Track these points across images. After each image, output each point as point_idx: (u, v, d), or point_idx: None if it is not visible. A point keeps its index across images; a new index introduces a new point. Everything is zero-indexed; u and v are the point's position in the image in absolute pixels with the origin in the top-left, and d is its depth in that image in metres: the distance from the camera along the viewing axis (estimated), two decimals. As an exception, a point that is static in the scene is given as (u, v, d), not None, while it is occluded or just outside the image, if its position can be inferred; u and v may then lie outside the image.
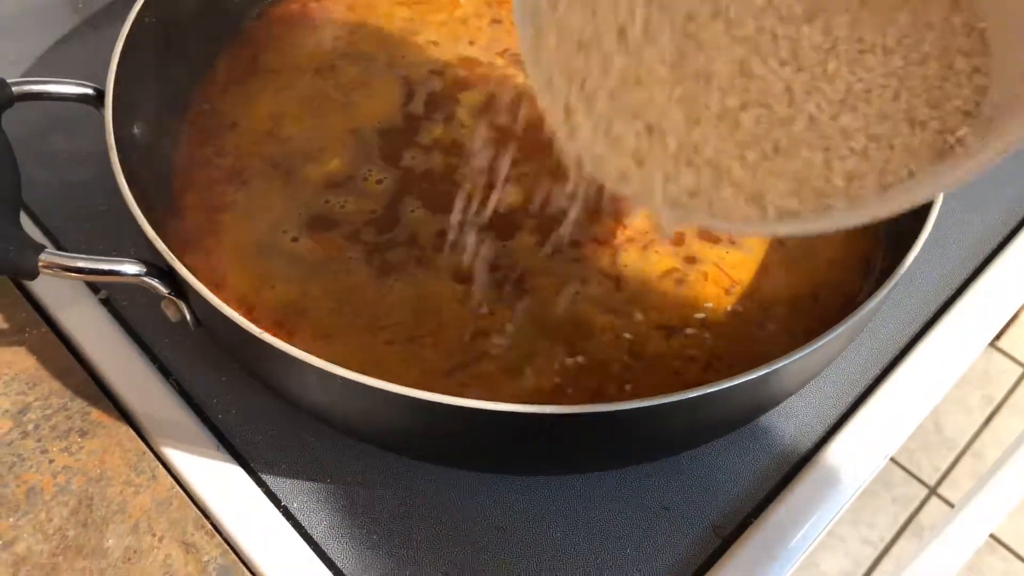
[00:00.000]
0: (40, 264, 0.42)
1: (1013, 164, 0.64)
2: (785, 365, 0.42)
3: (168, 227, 0.54)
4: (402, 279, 0.51)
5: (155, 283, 0.45)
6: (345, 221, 0.54)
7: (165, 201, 0.55)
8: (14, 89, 0.48)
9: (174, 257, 0.43)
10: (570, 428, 0.42)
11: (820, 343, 0.43)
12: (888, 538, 1.37)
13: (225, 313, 0.42)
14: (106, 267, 0.44)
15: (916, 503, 1.40)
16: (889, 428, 0.53)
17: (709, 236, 0.54)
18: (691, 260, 0.53)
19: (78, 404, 0.50)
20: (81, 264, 0.43)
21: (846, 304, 0.53)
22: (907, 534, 1.37)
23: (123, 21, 0.53)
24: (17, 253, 0.42)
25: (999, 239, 0.61)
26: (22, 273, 0.42)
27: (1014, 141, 0.36)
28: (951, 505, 1.41)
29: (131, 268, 0.44)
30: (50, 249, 0.42)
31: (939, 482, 1.43)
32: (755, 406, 0.48)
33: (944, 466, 1.45)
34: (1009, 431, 1.46)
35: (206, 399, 0.52)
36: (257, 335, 0.41)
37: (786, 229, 0.42)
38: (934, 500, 1.41)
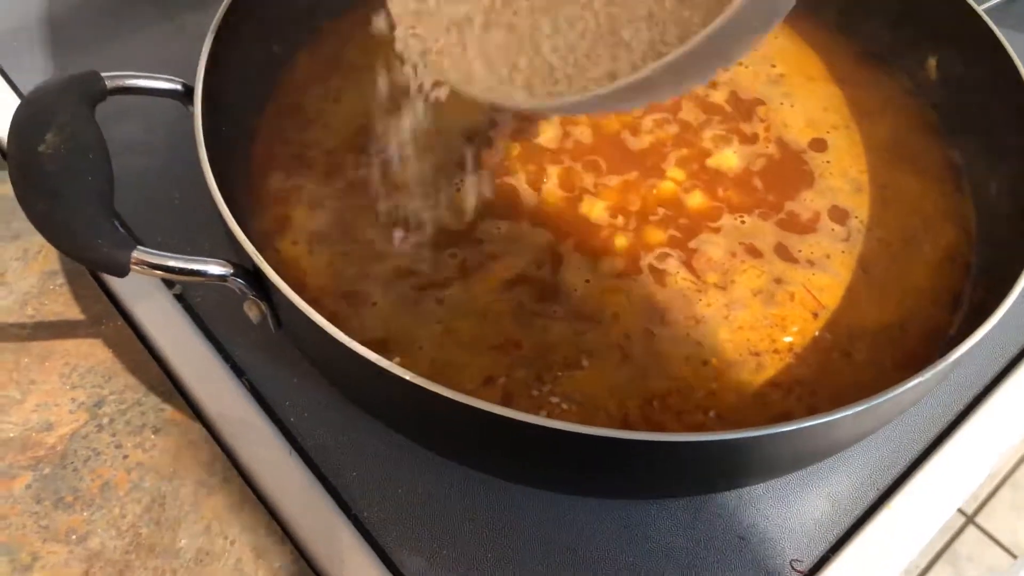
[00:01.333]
0: (132, 262, 0.41)
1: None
2: (881, 402, 0.41)
3: (247, 225, 0.53)
4: (489, 296, 0.50)
5: (240, 284, 0.44)
6: (433, 229, 0.53)
7: (244, 197, 0.55)
8: (108, 83, 0.48)
9: (263, 261, 0.43)
10: (657, 454, 0.41)
11: (916, 381, 0.42)
12: (923, 565, 1.35)
13: (315, 321, 0.41)
14: (195, 267, 0.43)
15: (953, 531, 1.38)
16: (969, 468, 0.52)
17: (788, 255, 0.53)
18: (778, 280, 0.52)
19: (152, 400, 0.50)
20: (171, 263, 0.42)
21: (933, 337, 0.52)
22: (942, 562, 1.35)
23: (202, 14, 0.53)
24: (110, 249, 0.41)
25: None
26: (113, 269, 0.42)
27: None
28: (988, 534, 1.39)
29: (218, 269, 0.44)
30: (141, 247, 0.42)
31: (977, 511, 1.41)
32: (842, 440, 0.47)
33: (983, 495, 1.43)
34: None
35: (279, 401, 0.51)
36: (348, 345, 0.41)
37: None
38: (971, 529, 1.39)
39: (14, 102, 0.64)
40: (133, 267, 0.42)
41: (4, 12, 0.71)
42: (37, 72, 0.67)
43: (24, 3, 0.71)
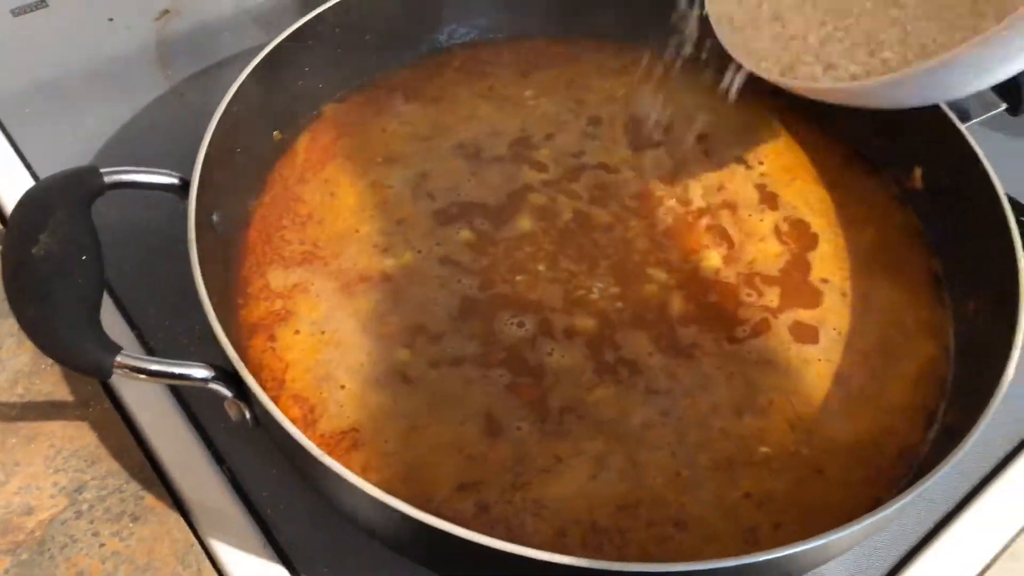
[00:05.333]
0: (115, 366, 0.43)
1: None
2: (841, 536, 0.42)
3: (234, 315, 0.55)
4: (474, 390, 0.51)
5: (220, 387, 0.46)
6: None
7: (235, 288, 0.56)
8: (106, 179, 0.49)
9: (243, 366, 0.44)
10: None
11: (880, 515, 0.42)
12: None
13: (286, 428, 0.42)
14: (176, 371, 0.44)
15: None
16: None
17: (768, 361, 0.54)
18: (756, 387, 0.53)
19: (133, 487, 0.51)
20: (153, 368, 0.44)
21: (906, 456, 0.52)
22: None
23: (209, 90, 0.55)
24: (94, 353, 0.43)
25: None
26: (96, 373, 0.43)
27: None
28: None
29: (199, 372, 0.45)
30: (125, 351, 0.43)
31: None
32: (806, 565, 0.47)
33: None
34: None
35: (257, 491, 0.52)
36: (316, 456, 0.42)
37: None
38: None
39: (20, 171, 0.66)
40: (116, 371, 0.43)
41: (13, 74, 0.73)
42: (43, 137, 0.69)
43: (34, 65, 0.74)
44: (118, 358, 0.43)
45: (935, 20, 0.50)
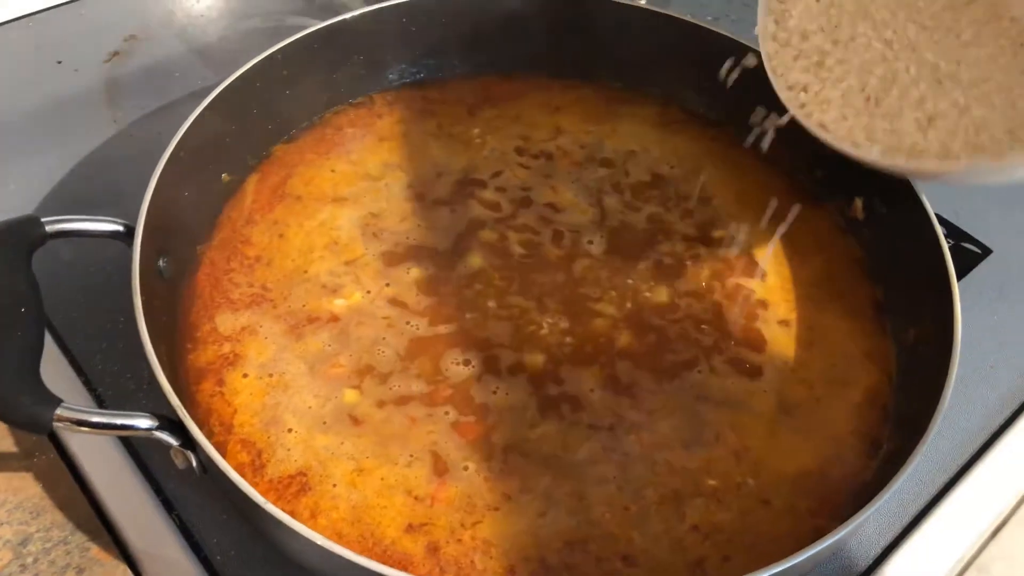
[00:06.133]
0: (54, 419, 0.42)
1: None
2: (784, 569, 0.42)
3: (182, 360, 0.55)
4: (420, 430, 0.52)
5: (166, 436, 0.45)
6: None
7: (182, 331, 0.56)
8: (48, 228, 0.49)
9: (187, 415, 0.44)
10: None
11: (822, 546, 0.43)
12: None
13: (231, 478, 0.42)
14: (119, 422, 0.44)
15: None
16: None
17: (712, 394, 0.55)
18: (703, 420, 0.54)
19: (79, 538, 0.51)
20: (95, 419, 0.43)
21: (851, 483, 0.53)
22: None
23: (160, 131, 0.55)
24: (32, 407, 0.42)
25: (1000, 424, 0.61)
26: (34, 428, 0.43)
27: None
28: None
29: (143, 422, 0.45)
30: (66, 404, 0.43)
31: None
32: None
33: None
34: (1015, 544, 1.43)
35: (207, 538, 0.52)
36: (261, 504, 0.42)
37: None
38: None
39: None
40: (56, 424, 0.43)
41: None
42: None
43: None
44: (58, 411, 0.43)
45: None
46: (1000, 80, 0.49)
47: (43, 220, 0.49)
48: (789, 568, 0.43)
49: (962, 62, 0.51)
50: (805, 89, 0.56)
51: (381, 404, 0.52)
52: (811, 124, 0.56)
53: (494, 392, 0.53)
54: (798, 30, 0.57)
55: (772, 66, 0.58)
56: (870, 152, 0.53)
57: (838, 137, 0.55)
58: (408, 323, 0.56)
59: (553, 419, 0.53)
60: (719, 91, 0.69)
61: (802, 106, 0.56)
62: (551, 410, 0.53)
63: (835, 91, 0.55)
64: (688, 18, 0.69)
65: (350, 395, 0.53)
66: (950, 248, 0.56)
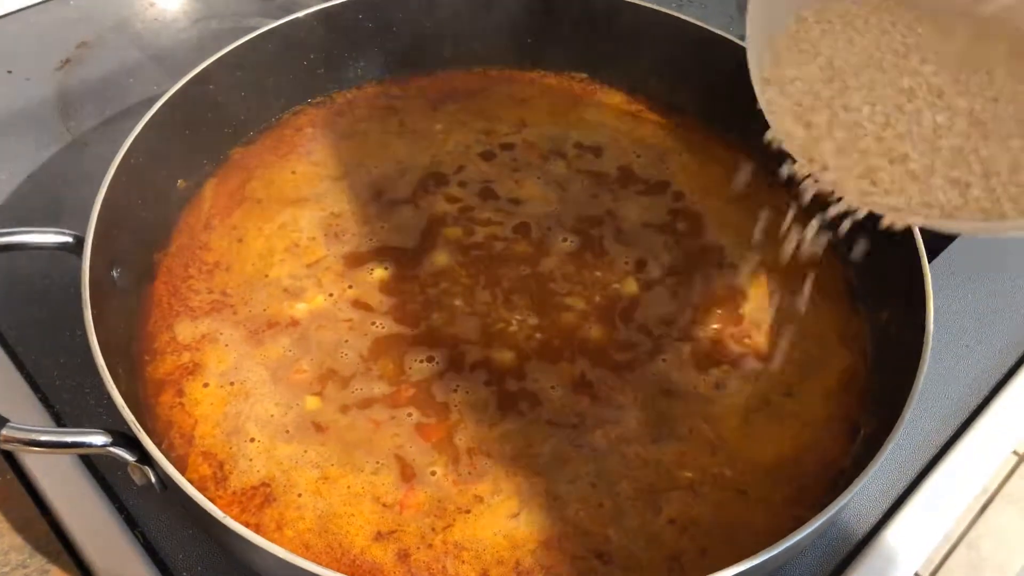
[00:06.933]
0: (0, 440, 0.41)
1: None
2: (762, 562, 0.41)
3: (140, 371, 0.53)
4: (383, 434, 0.50)
5: (121, 452, 0.44)
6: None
7: (139, 342, 0.54)
8: (-10, 242, 0.47)
9: (141, 430, 0.42)
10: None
11: (800, 535, 0.42)
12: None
13: (190, 494, 0.41)
14: (71, 440, 0.43)
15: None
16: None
17: (684, 385, 0.54)
18: (673, 414, 0.52)
19: (37, 561, 0.49)
20: (44, 438, 0.42)
21: (827, 470, 0.52)
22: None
23: (115, 140, 0.53)
24: (-24, 428, 0.41)
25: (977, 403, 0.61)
26: (-20, 449, 0.41)
27: None
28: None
29: (97, 439, 0.43)
30: (12, 424, 0.41)
31: (933, 573, 1.40)
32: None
33: (938, 558, 1.42)
34: (1004, 521, 1.43)
35: (172, 555, 0.50)
36: (220, 519, 0.40)
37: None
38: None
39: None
40: (3, 445, 0.41)
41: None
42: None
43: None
44: (3, 432, 0.41)
45: None
46: None
47: (-14, 233, 0.48)
48: (767, 560, 0.42)
49: (1000, 100, 0.45)
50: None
51: (344, 409, 0.51)
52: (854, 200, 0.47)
53: (454, 391, 0.52)
54: (807, 105, 0.48)
55: (793, 149, 0.48)
56: (904, 217, 0.45)
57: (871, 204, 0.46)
58: (373, 324, 0.55)
59: (513, 417, 0.51)
60: (685, 78, 0.68)
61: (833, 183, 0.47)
62: (510, 408, 0.52)
63: (849, 157, 0.47)
64: (653, 6, 0.68)
65: (312, 402, 0.51)
66: (920, 228, 0.55)
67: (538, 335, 0.55)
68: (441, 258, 0.59)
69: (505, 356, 0.54)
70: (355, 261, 0.58)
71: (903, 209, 0.45)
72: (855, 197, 0.46)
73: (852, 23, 0.49)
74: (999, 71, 0.46)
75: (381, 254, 0.59)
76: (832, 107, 0.48)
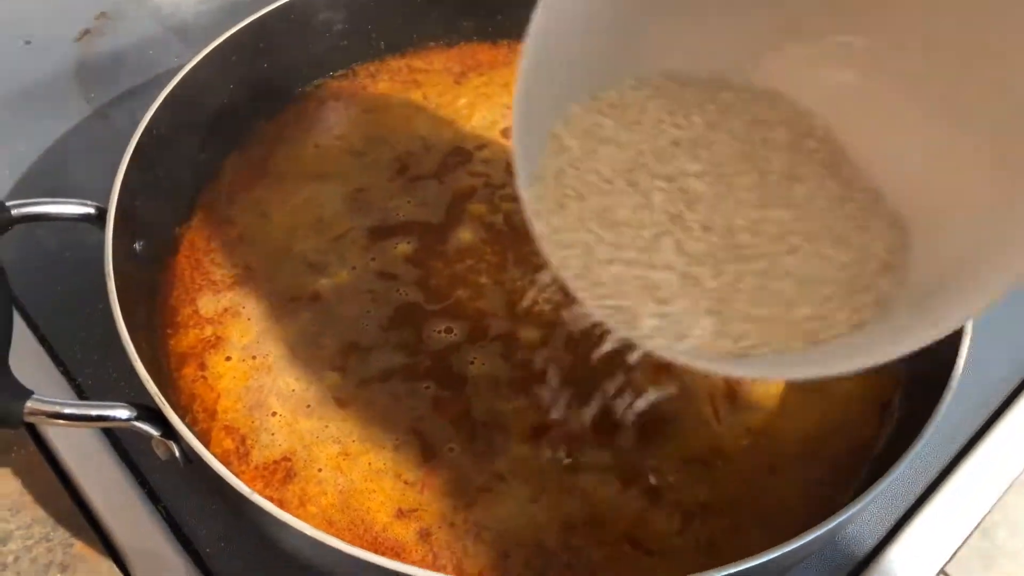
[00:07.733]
0: (24, 412, 0.40)
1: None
2: (792, 550, 0.40)
3: (163, 345, 0.53)
4: (402, 408, 0.50)
5: (145, 427, 0.43)
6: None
7: (162, 315, 0.54)
8: (13, 212, 0.47)
9: (166, 403, 0.42)
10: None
11: (828, 526, 0.41)
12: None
13: (214, 468, 0.40)
14: (95, 413, 0.42)
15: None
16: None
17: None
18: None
19: (61, 534, 0.49)
20: (68, 411, 0.41)
21: (859, 451, 0.51)
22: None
23: (135, 111, 0.52)
24: (2, 401, 0.40)
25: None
26: (6, 422, 0.41)
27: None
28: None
29: (121, 413, 0.43)
30: (37, 396, 0.41)
31: (947, 561, 1.40)
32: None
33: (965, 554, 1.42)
34: (1019, 508, 1.42)
35: (195, 530, 0.50)
36: (246, 495, 0.40)
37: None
38: (942, 580, 1.38)
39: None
40: (28, 417, 0.41)
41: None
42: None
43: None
44: (29, 404, 0.41)
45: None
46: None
47: (8, 204, 0.47)
48: (805, 544, 0.41)
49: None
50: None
51: (364, 383, 0.50)
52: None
53: (471, 363, 0.51)
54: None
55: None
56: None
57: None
58: (397, 291, 0.54)
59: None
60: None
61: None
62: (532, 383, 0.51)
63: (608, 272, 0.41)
64: None
65: (332, 376, 0.51)
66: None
67: (563, 312, 0.54)
68: (466, 234, 0.58)
69: (532, 335, 0.53)
70: (380, 235, 0.57)
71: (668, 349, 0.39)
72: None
73: (625, 114, 0.44)
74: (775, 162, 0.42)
75: (406, 229, 0.58)
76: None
